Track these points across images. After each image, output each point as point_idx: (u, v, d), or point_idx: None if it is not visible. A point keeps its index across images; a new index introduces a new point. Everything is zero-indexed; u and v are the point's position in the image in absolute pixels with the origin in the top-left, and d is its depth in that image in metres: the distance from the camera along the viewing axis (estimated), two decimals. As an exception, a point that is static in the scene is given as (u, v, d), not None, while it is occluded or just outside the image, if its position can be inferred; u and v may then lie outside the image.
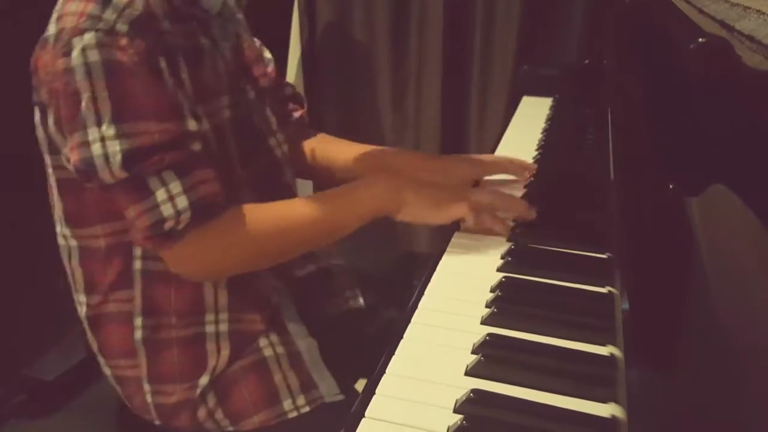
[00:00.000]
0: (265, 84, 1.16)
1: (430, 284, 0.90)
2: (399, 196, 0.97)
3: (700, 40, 0.72)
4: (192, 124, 0.90)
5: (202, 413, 1.01)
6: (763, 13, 0.77)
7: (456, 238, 1.02)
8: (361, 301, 1.22)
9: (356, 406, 0.69)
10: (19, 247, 1.33)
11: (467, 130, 2.19)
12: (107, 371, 1.05)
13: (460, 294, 0.88)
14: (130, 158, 0.85)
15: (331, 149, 1.26)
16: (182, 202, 0.87)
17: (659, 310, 0.71)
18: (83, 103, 0.84)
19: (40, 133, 0.94)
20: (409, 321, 0.82)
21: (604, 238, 0.97)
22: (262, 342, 1.03)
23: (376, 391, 0.71)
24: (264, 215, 0.96)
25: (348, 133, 1.37)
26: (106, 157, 0.84)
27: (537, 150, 1.38)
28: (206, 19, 0.99)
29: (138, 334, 0.99)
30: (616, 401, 0.68)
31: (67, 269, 1.02)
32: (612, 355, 0.74)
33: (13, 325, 1.33)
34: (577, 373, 0.72)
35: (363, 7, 2.16)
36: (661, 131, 0.91)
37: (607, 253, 0.94)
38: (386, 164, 1.20)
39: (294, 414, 1.00)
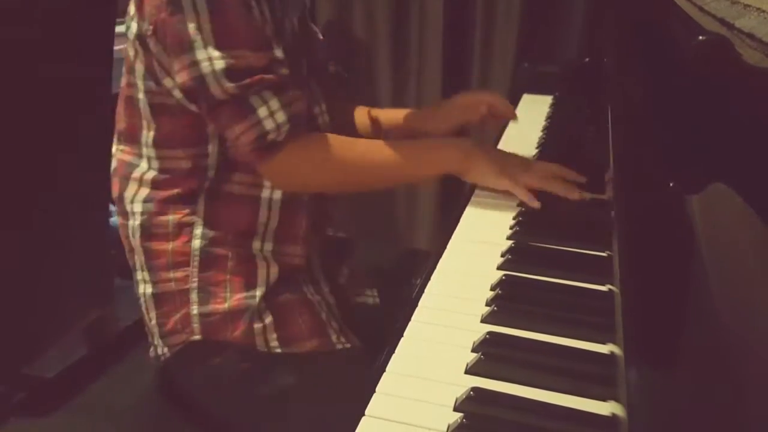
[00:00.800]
0: (318, 57, 1.24)
1: (430, 282, 0.90)
2: (467, 162, 1.09)
3: (701, 37, 0.72)
4: (279, 53, 1.01)
5: (258, 327, 1.07)
6: (763, 11, 0.77)
7: (456, 236, 1.02)
8: (378, 300, 1.29)
9: (356, 404, 0.69)
10: (19, 246, 1.33)
11: (467, 127, 2.18)
12: (147, 289, 1.09)
13: (460, 292, 0.88)
14: (234, 74, 0.96)
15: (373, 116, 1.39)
16: (281, 116, 0.99)
17: (659, 308, 0.71)
18: (190, 31, 0.95)
19: (137, 65, 1.04)
20: (409, 319, 0.82)
21: (605, 236, 0.97)
22: (305, 287, 1.14)
23: (376, 389, 0.71)
24: (354, 144, 1.10)
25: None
26: (215, 74, 0.96)
27: (537, 148, 1.38)
28: None
29: (196, 243, 1.07)
30: (616, 399, 0.68)
31: (128, 182, 1.09)
32: (612, 353, 0.74)
33: (13, 324, 1.33)
34: (577, 372, 0.72)
35: (363, 4, 2.16)
36: (662, 129, 0.91)
37: (608, 251, 0.94)
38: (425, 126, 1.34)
39: (340, 347, 1.11)
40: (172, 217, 1.07)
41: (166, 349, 1.09)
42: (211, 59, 0.95)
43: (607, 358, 0.74)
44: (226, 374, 1.08)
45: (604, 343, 0.76)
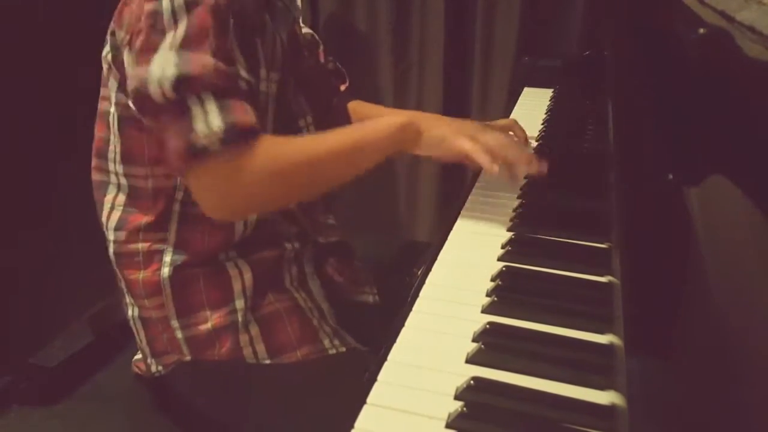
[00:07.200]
0: (306, 69, 1.21)
1: (431, 273, 0.91)
2: (420, 127, 1.05)
3: (701, 30, 0.72)
4: (243, 72, 0.94)
5: (243, 339, 1.04)
6: (764, 4, 0.78)
7: (457, 228, 1.02)
8: (377, 298, 1.27)
9: (358, 393, 0.69)
10: (25, 238, 1.34)
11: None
12: (135, 312, 1.07)
13: (460, 283, 0.88)
14: (182, 81, 0.88)
15: (367, 113, 1.35)
16: (215, 120, 0.88)
17: (658, 298, 0.71)
18: (164, 41, 0.89)
19: (111, 79, 1.01)
20: (410, 309, 0.83)
21: (604, 228, 0.98)
22: (296, 294, 1.11)
23: (378, 378, 0.71)
24: (291, 147, 0.99)
25: (350, 123, 1.38)
26: (161, 76, 0.88)
27: (537, 140, 1.39)
28: (272, 1, 1.07)
29: (165, 272, 1.04)
30: (615, 389, 0.68)
31: (103, 205, 1.07)
32: (611, 343, 0.75)
33: (20, 315, 1.34)
34: (576, 361, 0.72)
35: (365, -3, 2.16)
36: (661, 121, 0.92)
37: (607, 243, 0.94)
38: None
39: (333, 351, 1.07)
40: (141, 245, 1.04)
41: (160, 367, 1.07)
42: (165, 63, 0.88)
43: (606, 348, 0.74)
44: (220, 391, 1.07)
45: (603, 334, 0.77)
